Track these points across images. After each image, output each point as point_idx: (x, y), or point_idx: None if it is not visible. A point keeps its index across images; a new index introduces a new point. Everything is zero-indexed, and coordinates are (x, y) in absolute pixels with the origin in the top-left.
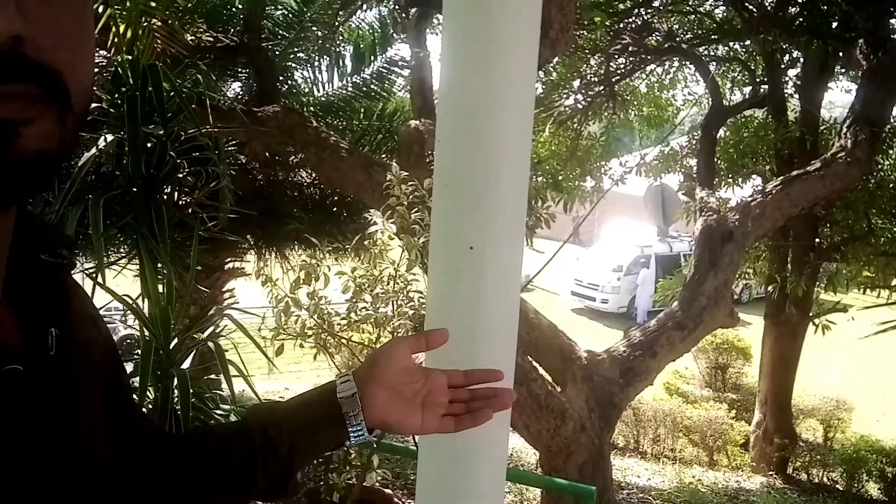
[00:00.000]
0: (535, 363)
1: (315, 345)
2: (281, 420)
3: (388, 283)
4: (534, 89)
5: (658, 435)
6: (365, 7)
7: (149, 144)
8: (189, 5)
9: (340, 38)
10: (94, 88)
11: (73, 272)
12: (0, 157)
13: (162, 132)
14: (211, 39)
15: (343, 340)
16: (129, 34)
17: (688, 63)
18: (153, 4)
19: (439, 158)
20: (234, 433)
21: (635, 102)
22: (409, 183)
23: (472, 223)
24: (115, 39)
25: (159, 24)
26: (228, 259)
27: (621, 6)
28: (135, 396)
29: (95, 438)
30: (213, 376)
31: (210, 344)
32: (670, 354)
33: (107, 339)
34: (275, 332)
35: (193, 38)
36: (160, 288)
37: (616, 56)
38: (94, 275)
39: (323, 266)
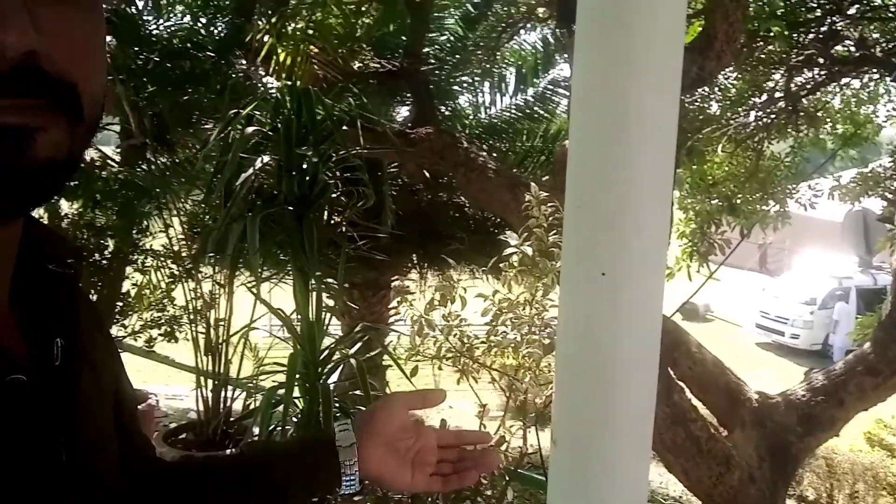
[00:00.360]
0: (696, 402)
1: (455, 369)
2: (276, 461)
3: (524, 308)
4: (677, 103)
5: (856, 491)
6: (527, 29)
7: (304, 166)
8: (351, 33)
9: (503, 60)
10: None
11: (80, 282)
12: (14, 163)
13: (311, 153)
14: (377, 66)
15: (482, 365)
16: (288, 61)
17: (889, 75)
18: (311, 32)
19: (571, 177)
20: (231, 467)
21: (827, 119)
22: (549, 204)
23: (605, 247)
24: (276, 67)
25: (317, 51)
26: (394, 277)
27: (808, 15)
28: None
29: (101, 450)
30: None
31: (352, 361)
32: (860, 403)
33: (113, 352)
34: (409, 353)
35: (361, 64)
36: (310, 303)
37: (801, 69)
38: (252, 288)
39: (459, 287)
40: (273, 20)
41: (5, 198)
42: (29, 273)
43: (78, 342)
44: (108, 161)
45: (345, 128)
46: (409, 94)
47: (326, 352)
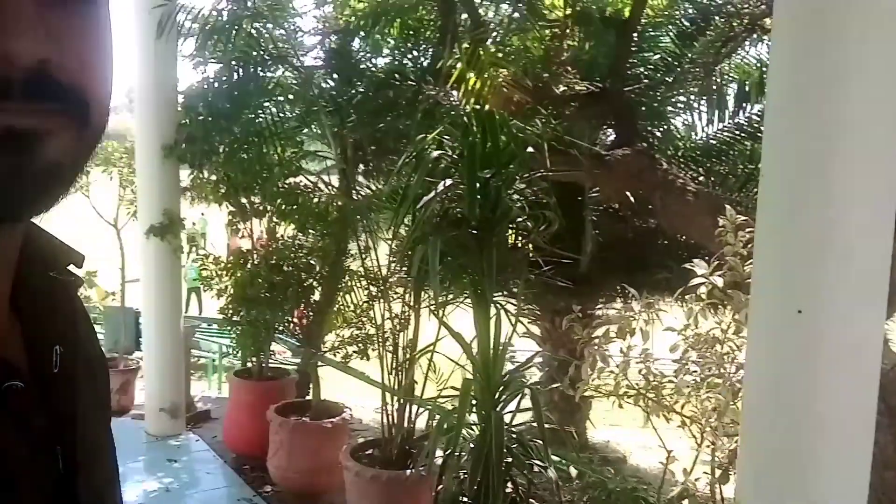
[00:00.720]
0: None
1: (642, 407)
2: None
3: (713, 346)
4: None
5: None
6: (751, 41)
7: (488, 189)
8: (550, 55)
9: (722, 76)
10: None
11: (79, 290)
12: (22, 165)
13: (494, 176)
14: (582, 88)
15: (665, 406)
16: (478, 85)
17: None
18: (500, 56)
19: (763, 200)
20: None
21: None
22: (747, 230)
23: (801, 279)
24: (467, 91)
25: (507, 74)
26: (597, 305)
27: None
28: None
29: (98, 460)
30: (569, 427)
31: (527, 390)
32: None
33: (106, 367)
34: (582, 386)
35: (566, 87)
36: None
37: None
38: (435, 310)
39: (639, 320)
40: (465, 45)
41: (11, 200)
42: (29, 279)
43: (77, 350)
44: (318, 186)
45: (530, 150)
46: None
47: (505, 379)
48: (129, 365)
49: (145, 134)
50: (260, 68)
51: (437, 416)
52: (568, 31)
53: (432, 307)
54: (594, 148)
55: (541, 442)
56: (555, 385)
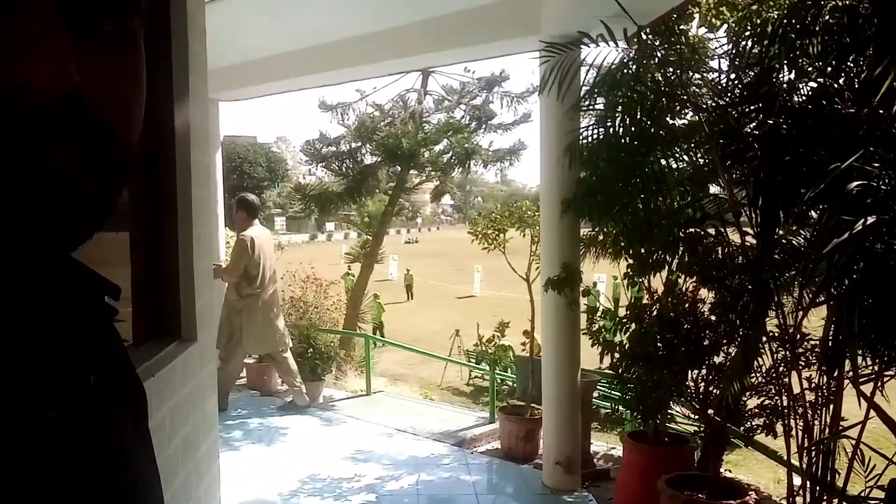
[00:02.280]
0: None
1: None
2: None
3: None
4: None
5: None
6: None
7: None
8: None
9: None
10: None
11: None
12: (53, 209)
13: None
14: None
15: None
16: None
17: None
18: None
19: None
20: None
21: None
22: None
23: None
24: None
25: None
26: None
27: None
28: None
29: (141, 490)
30: None
31: None
32: None
33: (145, 398)
34: None
35: None
36: None
37: None
38: (856, 383)
39: None
40: None
41: (43, 243)
42: (66, 310)
43: (112, 380)
44: (723, 234)
45: None
46: None
47: None
48: (535, 414)
49: (548, 189)
50: (665, 114)
51: None
52: None
53: (853, 379)
54: None
55: None
56: None
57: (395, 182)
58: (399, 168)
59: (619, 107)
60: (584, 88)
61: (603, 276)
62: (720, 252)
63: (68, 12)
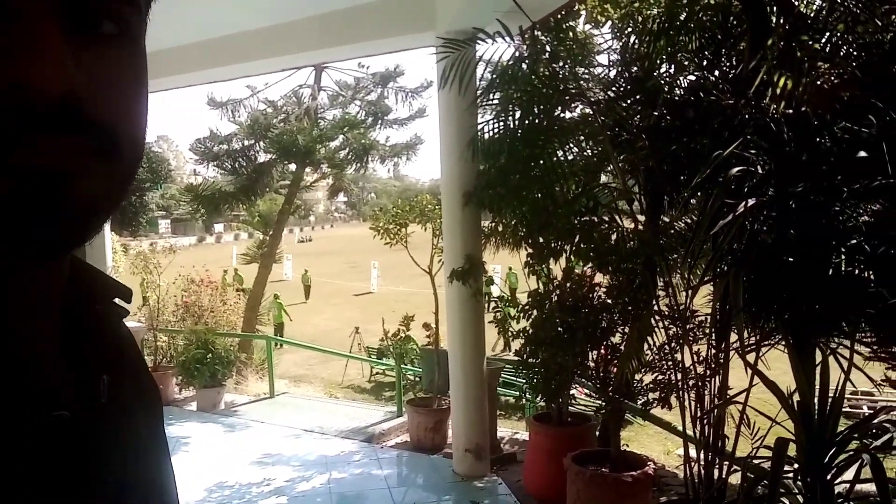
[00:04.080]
0: None
1: None
2: None
3: None
4: None
5: None
6: None
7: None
8: None
9: None
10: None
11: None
12: (53, 208)
13: (812, 191)
14: None
15: None
16: (788, 85)
17: None
18: (817, 47)
19: None
20: None
21: None
22: None
23: None
24: (771, 92)
25: (828, 67)
26: None
27: None
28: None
29: (154, 491)
30: None
31: (865, 456)
32: None
33: (160, 399)
34: None
35: None
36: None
37: None
38: (743, 353)
39: None
40: (770, 42)
41: (43, 242)
42: (76, 312)
43: (125, 380)
44: (615, 221)
45: (862, 154)
46: None
47: (838, 440)
48: (442, 405)
49: (449, 183)
50: (558, 107)
51: (751, 477)
52: None
53: (740, 350)
54: None
55: None
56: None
57: (290, 180)
58: (294, 165)
59: (515, 101)
60: (482, 84)
61: (498, 266)
62: (613, 238)
63: (67, 11)
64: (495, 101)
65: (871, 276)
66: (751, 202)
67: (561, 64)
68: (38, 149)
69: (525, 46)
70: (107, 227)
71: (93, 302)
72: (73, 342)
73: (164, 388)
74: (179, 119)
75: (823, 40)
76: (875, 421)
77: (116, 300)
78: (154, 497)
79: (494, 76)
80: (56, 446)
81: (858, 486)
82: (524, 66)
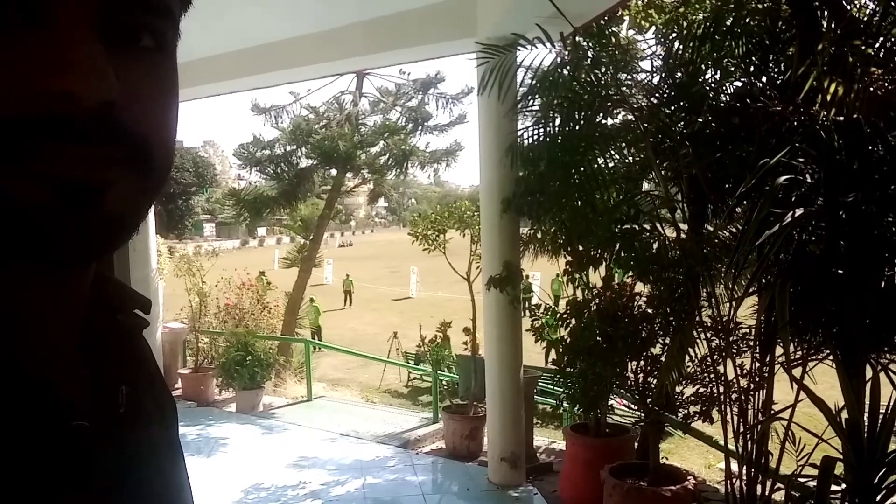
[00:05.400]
0: None
1: None
2: None
3: None
4: None
5: None
6: None
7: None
8: None
9: None
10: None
11: (144, 331)
12: (82, 218)
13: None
14: None
15: None
16: (839, 91)
17: None
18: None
19: None
20: None
21: None
22: None
23: None
24: (821, 99)
25: (880, 72)
26: None
27: None
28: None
29: (167, 501)
30: None
31: None
32: None
33: (176, 411)
34: None
35: None
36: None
37: None
38: (788, 368)
39: None
40: (820, 47)
41: (68, 253)
42: (96, 322)
43: (143, 390)
44: (657, 230)
45: None
46: None
47: (888, 460)
48: (478, 412)
49: (488, 189)
50: (600, 114)
51: (796, 496)
52: None
53: (785, 364)
54: None
55: None
56: None
57: (330, 185)
58: (335, 171)
59: (556, 107)
60: (522, 90)
61: (538, 273)
62: (655, 247)
63: (108, 23)
64: (535, 108)
65: None
66: (799, 212)
67: (603, 70)
68: (70, 158)
69: (566, 52)
70: (152, 229)
71: (114, 312)
72: (93, 352)
73: (205, 390)
74: (225, 124)
75: (877, 45)
76: None
77: (136, 311)
78: (170, 502)
79: (535, 82)
80: (75, 456)
81: None
82: (565, 71)
